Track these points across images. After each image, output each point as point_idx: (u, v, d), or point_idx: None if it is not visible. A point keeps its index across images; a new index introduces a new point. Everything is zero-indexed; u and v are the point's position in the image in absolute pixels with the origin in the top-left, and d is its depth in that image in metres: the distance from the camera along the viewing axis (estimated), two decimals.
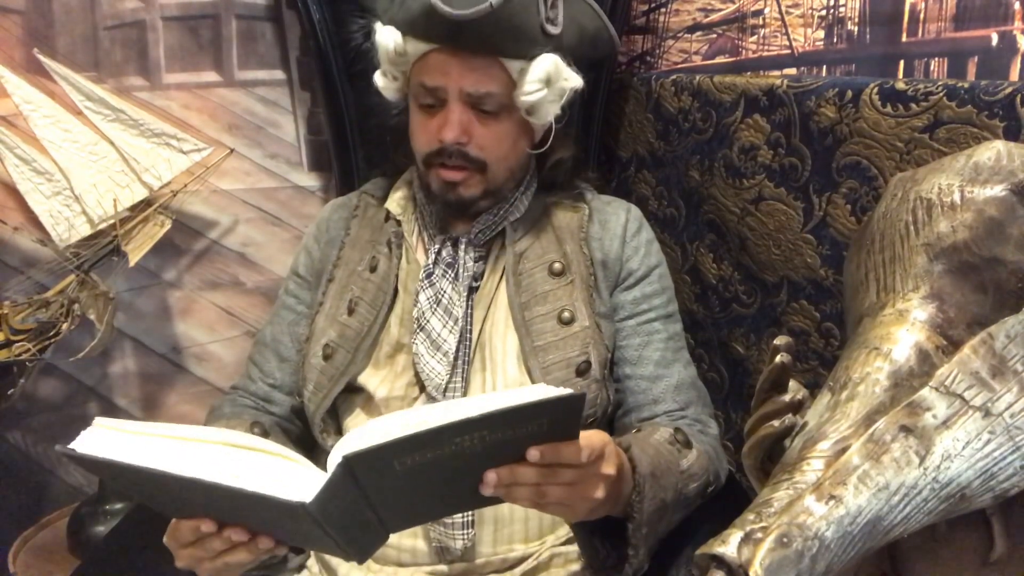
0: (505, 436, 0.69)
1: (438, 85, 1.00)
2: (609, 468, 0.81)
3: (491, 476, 0.72)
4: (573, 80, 1.05)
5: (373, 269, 1.11)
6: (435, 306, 1.04)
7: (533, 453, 0.72)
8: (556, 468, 0.75)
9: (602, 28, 1.09)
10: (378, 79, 1.09)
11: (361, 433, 0.71)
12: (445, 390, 1.02)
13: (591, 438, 0.78)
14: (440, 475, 0.71)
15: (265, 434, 1.07)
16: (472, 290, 1.06)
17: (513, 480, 0.73)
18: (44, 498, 1.65)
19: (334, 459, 0.67)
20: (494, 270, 1.09)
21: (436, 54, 1.00)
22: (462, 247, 1.07)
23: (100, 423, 0.73)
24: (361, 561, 0.77)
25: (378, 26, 1.05)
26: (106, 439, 0.71)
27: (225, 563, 0.79)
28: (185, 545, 0.79)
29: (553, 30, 1.00)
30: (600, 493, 0.80)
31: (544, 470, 0.74)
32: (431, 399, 1.02)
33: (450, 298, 1.04)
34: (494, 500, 0.76)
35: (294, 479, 0.69)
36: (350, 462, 0.66)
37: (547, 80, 1.01)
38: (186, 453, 0.71)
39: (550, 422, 0.71)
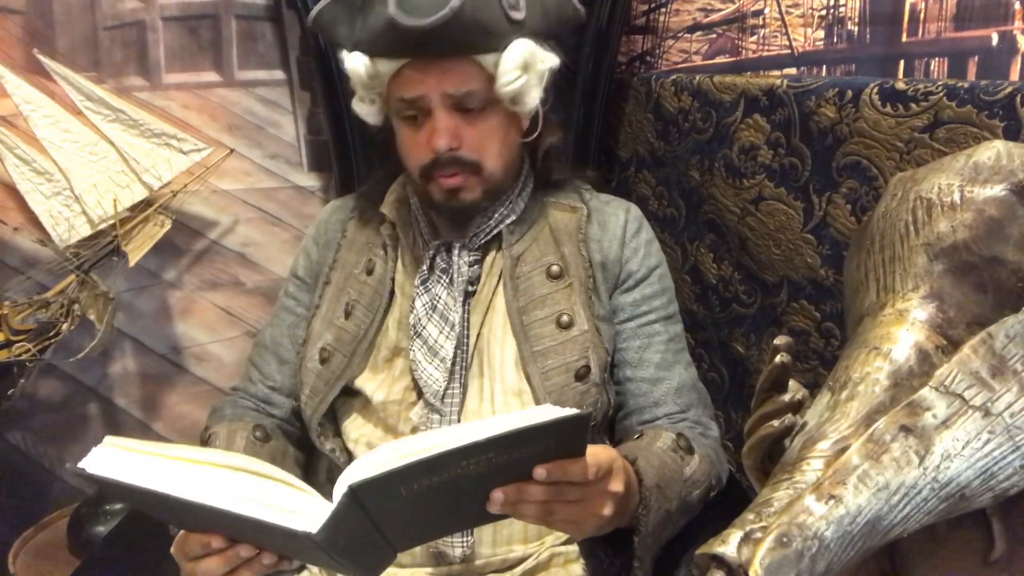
0: (511, 457, 0.69)
1: (418, 95, 0.99)
2: (617, 485, 0.80)
3: (498, 495, 0.72)
4: (550, 60, 1.03)
5: (369, 272, 1.10)
6: (431, 312, 1.04)
7: (540, 472, 0.71)
8: (563, 486, 0.74)
9: (562, 2, 1.07)
10: (357, 107, 1.07)
11: (367, 461, 0.71)
12: (443, 396, 1.01)
13: (598, 455, 0.77)
14: (447, 497, 0.71)
15: (267, 437, 1.07)
16: (468, 295, 1.06)
17: (520, 498, 0.73)
18: (44, 498, 1.65)
19: (340, 488, 0.67)
20: (491, 274, 1.08)
21: (409, 67, 0.98)
22: (455, 252, 1.06)
23: (110, 442, 0.73)
24: None
25: (344, 54, 1.03)
26: (116, 458, 0.71)
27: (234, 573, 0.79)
28: (193, 559, 0.79)
29: (517, 16, 0.98)
30: (608, 510, 0.80)
31: (551, 488, 0.73)
32: (429, 405, 1.01)
33: (446, 303, 1.04)
34: (501, 516, 0.75)
35: (302, 507, 0.69)
36: (356, 492, 0.66)
37: (524, 66, 0.99)
38: (195, 476, 0.72)
39: (556, 442, 0.71)
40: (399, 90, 1.00)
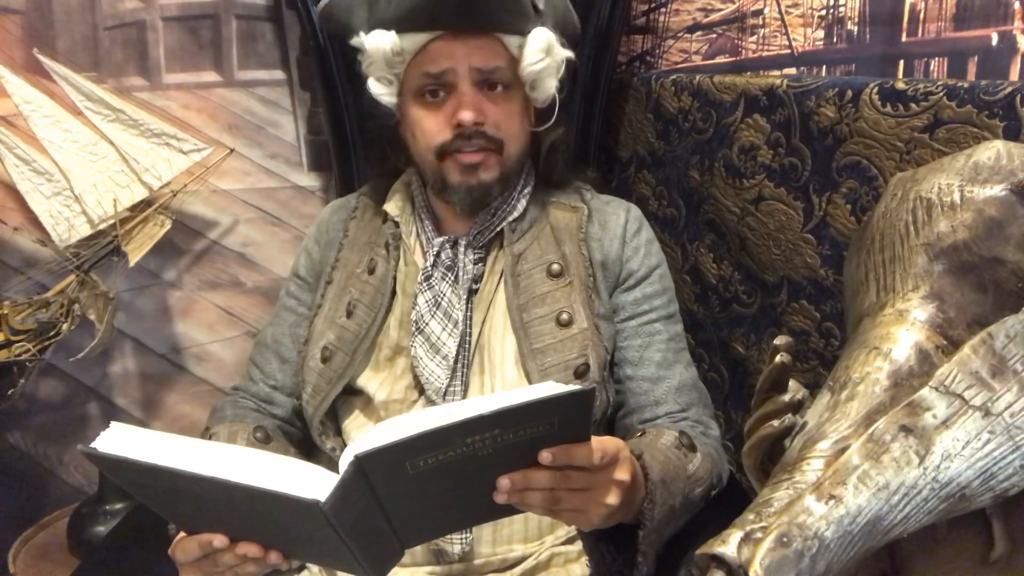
0: (516, 437, 0.69)
1: (446, 68, 1.01)
2: (623, 474, 0.80)
3: (504, 482, 0.71)
4: (564, 52, 1.07)
5: (371, 271, 1.10)
6: (434, 309, 1.04)
7: (545, 455, 0.71)
8: (569, 472, 0.74)
9: (568, 10, 1.11)
10: (373, 87, 1.07)
11: (373, 434, 0.71)
12: (445, 393, 1.01)
13: (604, 442, 0.77)
14: (452, 482, 0.71)
15: (268, 439, 1.07)
16: (472, 292, 1.06)
17: (526, 485, 0.72)
18: (44, 498, 1.65)
19: (346, 458, 0.67)
20: (492, 272, 1.08)
21: (437, 42, 1.01)
22: (461, 248, 1.07)
23: (117, 426, 0.73)
24: None
25: (363, 37, 1.04)
26: (124, 440, 0.72)
27: (235, 574, 0.79)
28: (193, 560, 0.79)
29: (541, 5, 1.02)
30: (614, 499, 0.79)
31: (557, 475, 0.73)
32: (430, 402, 1.01)
33: (450, 301, 1.04)
34: (507, 511, 0.75)
35: (309, 480, 0.69)
36: (362, 462, 0.66)
37: (547, 50, 1.03)
38: (204, 454, 0.72)
39: (560, 421, 0.70)
40: (424, 65, 1.02)
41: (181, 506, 0.77)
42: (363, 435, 0.72)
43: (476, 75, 1.01)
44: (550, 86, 1.07)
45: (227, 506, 0.72)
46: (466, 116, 1.00)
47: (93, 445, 0.70)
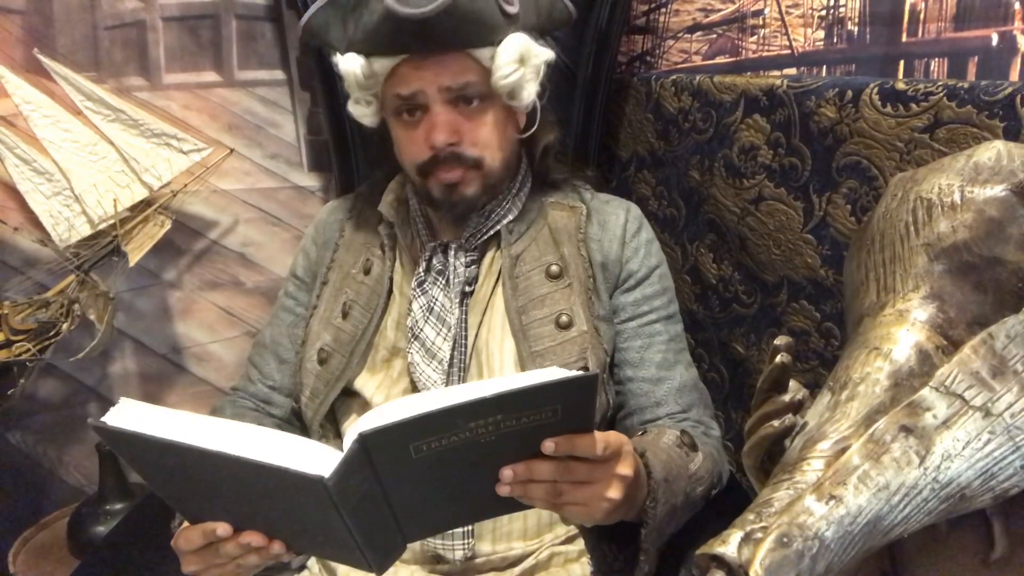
0: (519, 423, 0.68)
1: (415, 90, 0.99)
2: (626, 469, 0.79)
3: (507, 472, 0.71)
4: (545, 55, 1.03)
5: (367, 272, 1.10)
6: (428, 314, 1.03)
7: (548, 444, 0.71)
8: (572, 464, 0.74)
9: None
10: (352, 109, 1.07)
11: (377, 414, 0.71)
12: None
13: (607, 435, 0.77)
14: (455, 470, 0.71)
15: None
16: (466, 295, 1.06)
17: (529, 476, 0.72)
18: (44, 498, 1.66)
19: (350, 437, 0.67)
20: (490, 274, 1.08)
21: (405, 63, 0.98)
22: (452, 252, 1.06)
23: (127, 401, 0.73)
24: (379, 572, 0.76)
25: (338, 57, 1.03)
26: (133, 416, 0.71)
27: (237, 565, 0.78)
28: (195, 550, 0.78)
29: (511, 10, 0.99)
30: (617, 494, 0.79)
31: (560, 466, 0.73)
32: None
33: (442, 305, 1.04)
34: (509, 506, 0.75)
35: (314, 457, 0.69)
36: (366, 440, 0.66)
37: (521, 59, 1.00)
38: (213, 431, 0.72)
39: (564, 408, 0.70)
40: (395, 87, 1.00)
41: (186, 488, 0.76)
42: (367, 415, 0.71)
43: (447, 94, 0.99)
44: (529, 93, 1.02)
45: (232, 486, 0.72)
46: (439, 139, 0.98)
47: (103, 419, 0.70)
